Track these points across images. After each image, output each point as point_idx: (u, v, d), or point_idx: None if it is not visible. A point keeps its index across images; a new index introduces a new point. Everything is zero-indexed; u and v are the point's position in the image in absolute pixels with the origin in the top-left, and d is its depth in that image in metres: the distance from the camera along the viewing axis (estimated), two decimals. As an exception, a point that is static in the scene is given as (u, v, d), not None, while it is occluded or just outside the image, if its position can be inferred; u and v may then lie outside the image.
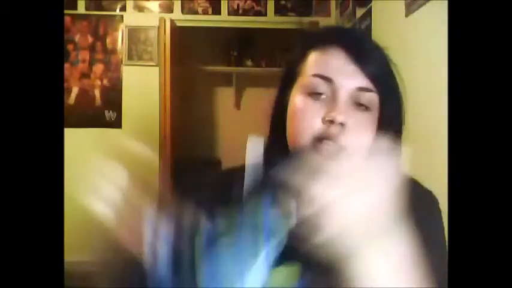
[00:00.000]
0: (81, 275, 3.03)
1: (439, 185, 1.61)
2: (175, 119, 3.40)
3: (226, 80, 4.22)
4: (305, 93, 0.64)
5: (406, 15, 2.05)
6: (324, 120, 0.61)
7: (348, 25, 3.01)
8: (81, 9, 3.38)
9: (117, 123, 3.40)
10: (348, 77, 0.62)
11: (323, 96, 0.63)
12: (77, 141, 3.23)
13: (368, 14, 2.59)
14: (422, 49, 1.89)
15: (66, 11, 3.31)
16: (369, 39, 0.68)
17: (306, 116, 0.62)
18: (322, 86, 0.63)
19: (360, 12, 2.77)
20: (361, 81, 0.62)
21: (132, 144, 0.65)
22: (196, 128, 4.17)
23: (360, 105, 0.63)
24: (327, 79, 0.62)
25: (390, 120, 0.66)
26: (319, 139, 0.61)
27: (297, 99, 0.64)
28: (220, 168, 4.12)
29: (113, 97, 3.40)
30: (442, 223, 0.69)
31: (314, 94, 0.63)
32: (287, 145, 0.66)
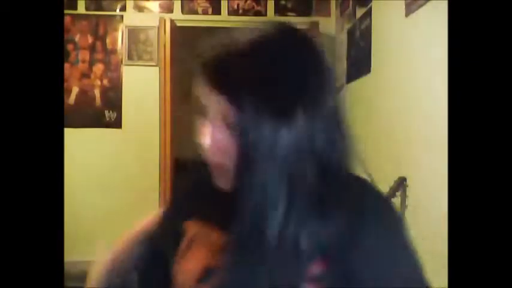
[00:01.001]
0: (81, 275, 3.02)
1: (439, 185, 1.61)
2: (175, 119, 3.40)
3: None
4: (201, 122, 0.67)
5: (406, 15, 2.05)
6: (205, 148, 0.65)
7: (347, 25, 3.01)
8: (81, 9, 3.38)
9: (117, 123, 3.40)
10: (213, 103, 0.63)
11: (205, 121, 0.65)
12: (77, 141, 3.24)
13: (368, 14, 2.59)
14: (422, 49, 1.89)
15: (66, 11, 3.31)
16: (233, 57, 0.62)
17: (199, 140, 0.67)
18: (203, 113, 0.65)
19: (360, 12, 2.77)
20: (224, 105, 0.61)
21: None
22: (196, 128, 4.17)
23: (230, 126, 0.62)
24: (203, 107, 0.64)
25: (259, 131, 0.60)
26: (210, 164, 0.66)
27: (200, 129, 0.68)
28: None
29: (113, 97, 3.40)
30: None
31: (204, 119, 0.66)
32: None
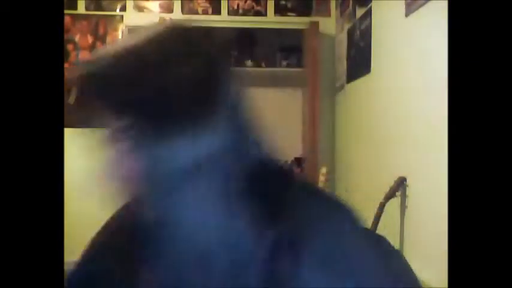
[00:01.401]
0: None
1: (439, 185, 1.60)
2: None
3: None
4: None
5: (406, 15, 2.05)
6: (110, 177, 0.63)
7: (347, 25, 3.01)
8: (81, 9, 3.38)
9: (117, 123, 3.40)
10: (106, 124, 0.59)
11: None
12: (77, 141, 3.23)
13: (368, 14, 2.59)
14: (422, 49, 1.89)
15: (66, 11, 3.31)
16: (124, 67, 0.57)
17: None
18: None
19: (360, 12, 2.77)
20: (115, 123, 0.57)
21: None
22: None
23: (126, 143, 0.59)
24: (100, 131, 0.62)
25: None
26: None
27: None
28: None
29: (113, 97, 3.40)
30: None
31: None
32: None
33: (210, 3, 3.43)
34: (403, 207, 1.96)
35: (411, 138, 1.97)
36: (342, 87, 3.17)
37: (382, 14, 2.41)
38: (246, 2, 3.45)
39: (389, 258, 0.66)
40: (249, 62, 4.12)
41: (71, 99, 3.34)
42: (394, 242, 1.31)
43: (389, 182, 1.95)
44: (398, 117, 2.14)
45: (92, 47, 3.39)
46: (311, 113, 3.21)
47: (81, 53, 3.39)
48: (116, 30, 3.40)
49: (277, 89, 3.43)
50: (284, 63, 3.53)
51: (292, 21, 3.41)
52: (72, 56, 3.37)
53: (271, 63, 3.97)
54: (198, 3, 3.43)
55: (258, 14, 3.46)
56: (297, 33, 3.40)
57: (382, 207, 1.95)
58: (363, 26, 2.69)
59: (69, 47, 3.36)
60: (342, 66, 3.14)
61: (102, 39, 3.39)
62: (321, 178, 2.55)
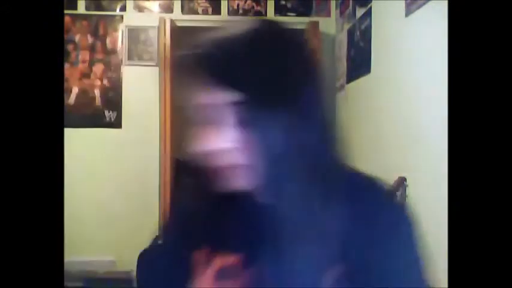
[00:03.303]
0: (81, 275, 3.02)
1: (439, 185, 1.61)
2: (175, 119, 3.40)
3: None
4: (195, 121, 0.64)
5: (406, 15, 2.05)
6: (212, 150, 0.62)
7: (347, 25, 3.01)
8: (81, 9, 3.38)
9: (117, 123, 3.40)
10: (214, 98, 0.60)
11: (206, 122, 0.62)
12: (77, 141, 3.23)
13: (368, 14, 2.59)
14: (422, 49, 1.89)
15: (66, 11, 3.31)
16: (231, 46, 0.60)
17: (198, 146, 0.64)
18: (203, 114, 0.62)
19: (360, 12, 2.77)
20: (228, 97, 0.59)
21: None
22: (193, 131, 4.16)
23: (242, 121, 0.60)
24: (202, 106, 0.62)
25: (267, 126, 0.60)
26: (220, 166, 0.62)
27: (194, 132, 0.65)
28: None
29: (113, 97, 3.39)
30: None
31: (201, 122, 0.63)
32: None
33: (210, 3, 3.43)
34: (403, 207, 1.96)
35: (411, 138, 1.97)
36: (342, 87, 3.17)
37: (382, 14, 2.41)
38: (246, 2, 3.45)
39: None
40: (249, 62, 4.12)
41: (70, 99, 3.35)
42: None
43: (390, 182, 1.95)
44: (398, 117, 2.14)
45: (92, 47, 3.39)
46: (311, 113, 3.20)
47: (81, 53, 3.39)
48: (115, 30, 3.40)
49: (277, 89, 3.42)
50: (284, 63, 3.52)
51: (292, 21, 3.41)
52: (72, 56, 3.37)
53: (271, 63, 3.95)
54: (198, 3, 3.43)
55: (258, 14, 3.46)
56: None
57: (382, 207, 1.95)
58: (363, 26, 2.69)
59: (69, 47, 3.36)
60: (342, 66, 3.14)
61: (102, 39, 3.39)
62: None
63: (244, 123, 0.59)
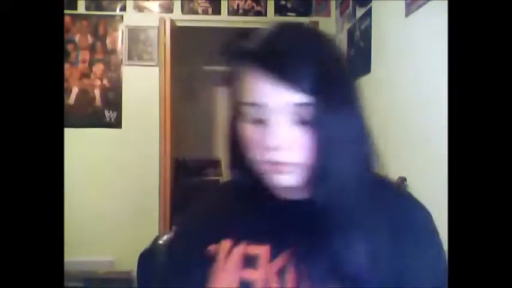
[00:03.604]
0: (81, 275, 3.02)
1: (439, 185, 1.60)
2: (175, 119, 3.40)
3: (226, 80, 4.22)
4: (247, 120, 0.63)
5: (406, 15, 2.05)
6: (268, 147, 0.61)
7: (347, 25, 3.01)
8: (81, 9, 3.38)
9: (117, 123, 3.40)
10: (278, 98, 0.60)
11: (264, 122, 0.62)
12: (77, 141, 3.23)
13: (368, 14, 2.59)
14: (422, 49, 1.89)
15: (66, 11, 3.31)
16: (299, 45, 0.61)
17: (252, 144, 0.63)
18: (258, 113, 0.61)
19: (360, 12, 2.77)
20: (294, 97, 0.59)
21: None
22: (196, 128, 4.17)
23: (302, 121, 0.61)
24: (260, 105, 0.61)
25: (337, 124, 0.62)
26: (271, 163, 0.62)
27: (243, 127, 0.64)
28: (220, 168, 4.12)
29: (113, 97, 3.40)
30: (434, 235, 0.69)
31: (255, 121, 0.62)
32: (246, 165, 0.67)
33: (210, 3, 3.43)
34: (403, 207, 1.96)
35: (411, 138, 1.97)
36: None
37: (382, 14, 2.41)
38: (246, 2, 3.45)
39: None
40: (249, 62, 4.12)
41: (70, 99, 3.35)
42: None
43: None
44: (398, 117, 2.14)
45: (92, 47, 3.39)
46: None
47: (81, 53, 3.39)
48: (116, 30, 3.40)
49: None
50: (284, 63, 3.52)
51: (292, 21, 3.41)
52: (72, 56, 3.37)
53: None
54: (198, 3, 3.43)
55: (258, 14, 3.46)
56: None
57: (382, 207, 1.95)
58: (363, 26, 2.69)
59: (69, 47, 3.36)
60: (342, 66, 3.13)
61: (102, 39, 3.39)
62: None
63: (305, 123, 0.61)
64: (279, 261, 0.64)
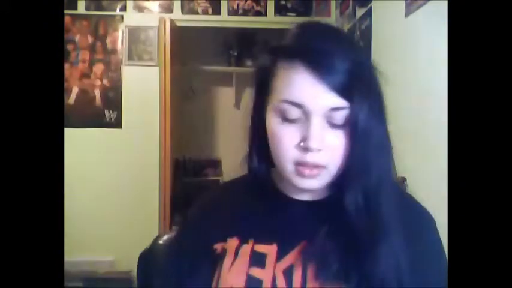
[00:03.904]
0: (81, 275, 3.02)
1: (439, 185, 1.60)
2: (175, 119, 3.40)
3: (226, 80, 4.22)
4: (279, 117, 0.62)
5: (406, 15, 2.05)
6: (299, 147, 0.61)
7: (347, 25, 3.01)
8: (81, 9, 3.38)
9: (117, 123, 3.40)
10: (318, 100, 0.59)
11: (297, 121, 0.61)
12: (77, 141, 3.23)
13: (368, 14, 2.59)
14: (422, 49, 1.89)
15: (66, 11, 3.31)
16: (338, 48, 0.61)
17: (282, 142, 0.62)
18: (293, 112, 0.61)
19: (360, 12, 2.77)
20: (332, 101, 0.59)
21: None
22: (196, 128, 4.17)
23: (334, 124, 0.61)
24: (297, 105, 0.60)
25: (369, 129, 0.62)
26: (299, 163, 0.62)
27: (273, 123, 0.63)
28: (220, 168, 4.12)
29: (113, 97, 3.39)
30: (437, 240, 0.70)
31: (287, 119, 0.62)
32: (268, 160, 0.67)
33: (210, 3, 3.43)
34: (403, 207, 1.96)
35: (411, 138, 1.97)
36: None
37: (382, 14, 2.41)
38: (246, 2, 3.45)
39: None
40: (249, 62, 4.12)
41: (70, 99, 3.35)
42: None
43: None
44: (398, 117, 2.14)
45: (92, 47, 3.39)
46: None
47: (81, 53, 3.38)
48: (115, 30, 3.40)
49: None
50: (284, 63, 3.52)
51: (292, 21, 3.41)
52: (72, 56, 3.37)
53: (271, 63, 3.95)
54: (198, 3, 3.43)
55: (258, 14, 3.46)
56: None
57: (382, 207, 1.95)
58: (363, 26, 2.69)
59: (69, 47, 3.36)
60: (342, 66, 3.13)
61: (102, 39, 3.39)
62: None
63: (339, 126, 0.61)
64: (287, 261, 0.64)
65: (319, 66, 0.59)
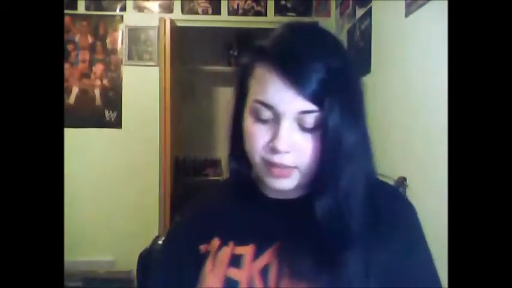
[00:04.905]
0: (81, 275, 3.02)
1: (439, 185, 1.60)
2: (175, 119, 3.40)
3: (226, 80, 4.22)
4: (253, 116, 0.63)
5: (406, 15, 2.05)
6: (268, 147, 0.62)
7: (347, 25, 3.01)
8: (81, 9, 3.38)
9: (117, 123, 3.40)
10: (288, 103, 0.60)
11: (268, 121, 0.62)
12: (77, 141, 3.23)
13: (368, 14, 2.59)
14: (422, 49, 1.89)
15: (66, 11, 3.30)
16: (316, 54, 0.61)
17: (253, 141, 0.63)
18: (265, 112, 0.61)
19: (360, 12, 2.77)
20: (303, 104, 0.59)
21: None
22: (196, 128, 4.17)
23: (305, 127, 0.61)
24: (268, 106, 0.61)
25: (340, 133, 0.61)
26: (268, 163, 0.63)
27: (248, 123, 0.64)
28: (220, 168, 4.12)
29: (113, 97, 3.39)
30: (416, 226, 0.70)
31: (260, 119, 0.62)
32: (248, 160, 0.67)
33: (210, 3, 3.43)
34: (403, 207, 1.95)
35: (411, 138, 1.97)
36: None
37: (382, 14, 2.41)
38: (246, 2, 3.45)
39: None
40: (249, 62, 4.11)
41: (70, 99, 3.35)
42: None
43: (390, 182, 1.95)
44: (398, 117, 2.14)
45: (92, 47, 3.39)
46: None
47: (81, 53, 3.38)
48: (116, 30, 3.40)
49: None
50: (284, 63, 3.52)
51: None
52: (72, 56, 3.37)
53: (271, 63, 3.95)
54: (198, 3, 3.43)
55: (258, 14, 3.46)
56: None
57: (382, 207, 1.95)
58: (363, 26, 2.69)
59: (69, 47, 3.36)
60: (342, 66, 3.13)
61: (102, 39, 3.39)
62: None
63: (311, 129, 0.61)
64: (262, 260, 0.64)
65: (291, 71, 0.59)
